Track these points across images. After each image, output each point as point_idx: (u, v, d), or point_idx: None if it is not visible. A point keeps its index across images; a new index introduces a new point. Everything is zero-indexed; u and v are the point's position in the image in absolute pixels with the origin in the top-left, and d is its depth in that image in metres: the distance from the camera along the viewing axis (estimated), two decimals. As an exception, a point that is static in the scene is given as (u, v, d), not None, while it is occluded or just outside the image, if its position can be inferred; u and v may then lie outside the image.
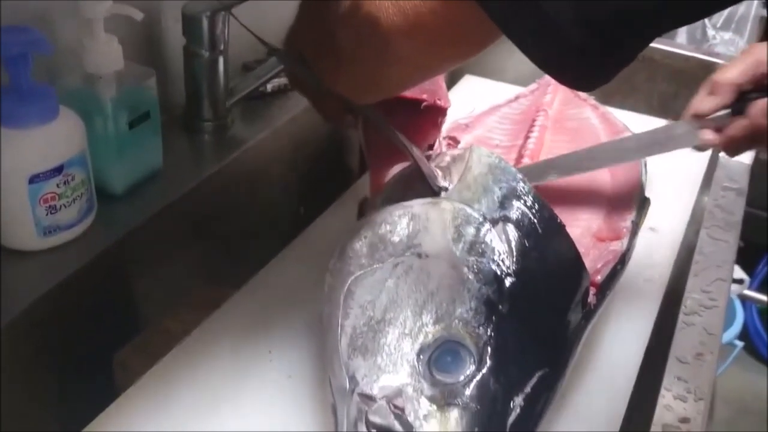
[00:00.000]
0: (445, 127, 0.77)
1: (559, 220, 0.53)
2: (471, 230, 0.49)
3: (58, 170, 0.58)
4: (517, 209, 0.51)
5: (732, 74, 0.63)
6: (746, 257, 1.60)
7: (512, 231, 0.50)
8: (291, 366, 0.57)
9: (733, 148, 0.64)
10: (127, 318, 0.67)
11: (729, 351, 1.57)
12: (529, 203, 0.52)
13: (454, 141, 0.75)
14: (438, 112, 0.68)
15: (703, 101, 0.65)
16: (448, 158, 0.59)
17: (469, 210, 0.50)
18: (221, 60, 0.77)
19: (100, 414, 0.54)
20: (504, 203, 0.51)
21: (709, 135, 0.64)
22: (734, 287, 1.53)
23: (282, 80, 0.87)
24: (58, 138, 0.59)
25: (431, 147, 0.69)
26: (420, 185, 0.56)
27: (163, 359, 0.58)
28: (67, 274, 0.60)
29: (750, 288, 1.71)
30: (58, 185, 0.59)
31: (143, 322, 0.67)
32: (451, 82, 1.06)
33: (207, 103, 0.79)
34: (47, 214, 0.59)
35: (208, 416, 0.54)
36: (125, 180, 0.68)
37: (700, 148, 0.67)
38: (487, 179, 0.53)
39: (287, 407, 0.55)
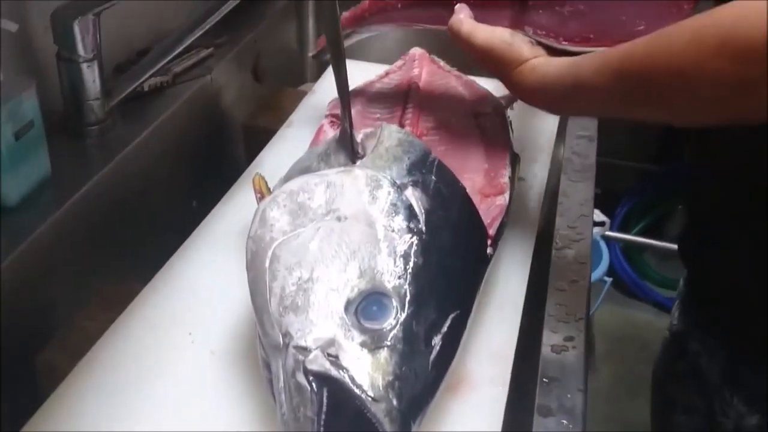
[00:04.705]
0: (328, 105, 0.81)
1: (460, 184, 0.59)
2: (383, 193, 0.55)
3: (-48, 186, 0.59)
4: (424, 175, 0.58)
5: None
6: (605, 203, 1.75)
7: (420, 193, 0.56)
8: (212, 343, 0.61)
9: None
10: (40, 322, 0.68)
11: (600, 288, 1.71)
12: (433, 170, 0.58)
13: (336, 118, 0.78)
14: None
15: None
16: (361, 135, 0.65)
17: (380, 175, 0.56)
18: (95, 63, 0.78)
19: (30, 419, 0.55)
20: (412, 170, 0.58)
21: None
22: (597, 229, 1.67)
23: (159, 78, 0.89)
24: (-53, 155, 0.59)
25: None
26: (333, 158, 0.62)
27: (82, 359, 0.59)
28: (-27, 288, 0.61)
29: (611, 230, 1.86)
30: (-46, 201, 0.59)
31: (58, 324, 0.68)
32: (322, 67, 1.10)
33: (86, 108, 0.79)
34: (-54, 231, 0.60)
35: (136, 406, 0.56)
36: (18, 191, 0.69)
37: None
38: (398, 150, 0.60)
39: (215, 380, 0.58)
